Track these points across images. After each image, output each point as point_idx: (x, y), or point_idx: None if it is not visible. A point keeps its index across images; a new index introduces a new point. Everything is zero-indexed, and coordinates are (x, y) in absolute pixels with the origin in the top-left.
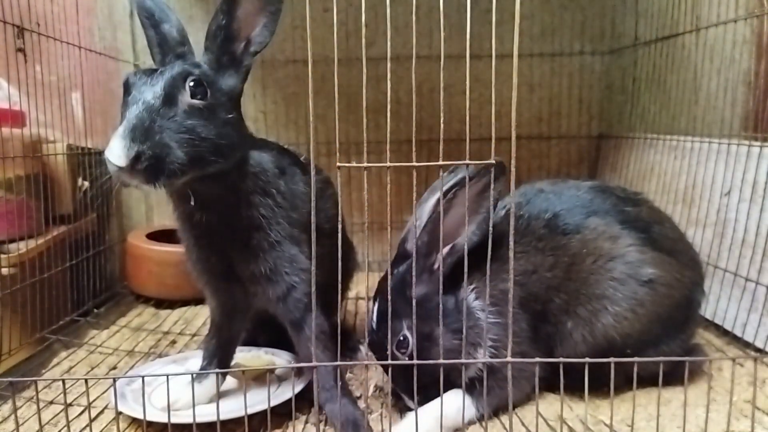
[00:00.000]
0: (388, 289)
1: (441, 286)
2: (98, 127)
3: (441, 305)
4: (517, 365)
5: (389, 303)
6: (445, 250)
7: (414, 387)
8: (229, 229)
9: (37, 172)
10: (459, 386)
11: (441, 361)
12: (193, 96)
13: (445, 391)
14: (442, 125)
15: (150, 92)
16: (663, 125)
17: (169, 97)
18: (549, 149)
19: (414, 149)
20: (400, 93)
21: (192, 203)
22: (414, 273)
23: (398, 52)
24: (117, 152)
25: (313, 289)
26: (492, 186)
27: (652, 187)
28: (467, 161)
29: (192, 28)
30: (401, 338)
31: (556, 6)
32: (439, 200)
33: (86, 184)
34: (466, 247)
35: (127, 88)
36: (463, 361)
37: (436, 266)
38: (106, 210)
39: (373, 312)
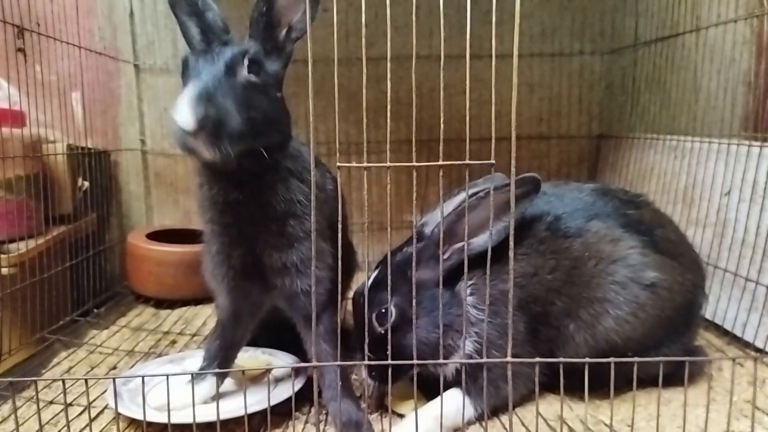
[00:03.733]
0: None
1: (441, 279)
2: (98, 127)
3: (440, 296)
4: (511, 366)
5: (387, 274)
6: (459, 245)
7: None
8: (265, 213)
9: (37, 172)
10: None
11: (441, 360)
12: (249, 72)
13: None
14: (442, 125)
15: (212, 67)
16: (663, 125)
17: (230, 71)
18: (549, 149)
19: (414, 149)
20: (400, 93)
21: (228, 180)
22: (414, 255)
23: (398, 52)
24: (185, 115)
25: (314, 288)
26: (488, 191)
27: (652, 187)
28: (467, 161)
29: None
30: (383, 310)
31: (556, 6)
32: (468, 197)
33: (86, 184)
34: (466, 249)
35: (186, 65)
36: (463, 361)
37: (445, 257)
38: (106, 210)
39: (370, 278)
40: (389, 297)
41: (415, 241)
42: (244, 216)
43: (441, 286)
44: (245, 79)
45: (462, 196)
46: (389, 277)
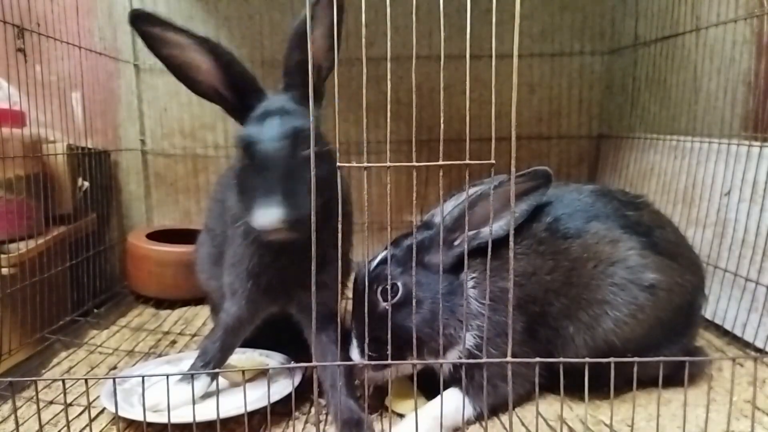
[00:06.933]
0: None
1: (441, 266)
2: (98, 127)
3: (441, 287)
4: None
5: (394, 253)
6: (470, 233)
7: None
8: (309, 249)
9: (37, 172)
10: (432, 352)
11: (440, 360)
12: (307, 147)
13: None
14: (442, 125)
15: (278, 153)
16: (663, 125)
17: (293, 152)
18: (549, 149)
19: (414, 149)
20: (400, 93)
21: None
22: (415, 237)
23: (398, 52)
24: (270, 216)
25: (313, 289)
26: (487, 188)
27: (652, 188)
28: (467, 161)
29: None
30: (391, 285)
31: (556, 6)
32: (479, 190)
33: (86, 184)
34: (466, 244)
35: (249, 147)
36: (463, 361)
37: (456, 243)
38: (106, 210)
39: (378, 255)
40: (394, 271)
41: (420, 229)
42: (288, 259)
43: (441, 272)
44: (306, 155)
45: (474, 189)
46: (393, 253)
